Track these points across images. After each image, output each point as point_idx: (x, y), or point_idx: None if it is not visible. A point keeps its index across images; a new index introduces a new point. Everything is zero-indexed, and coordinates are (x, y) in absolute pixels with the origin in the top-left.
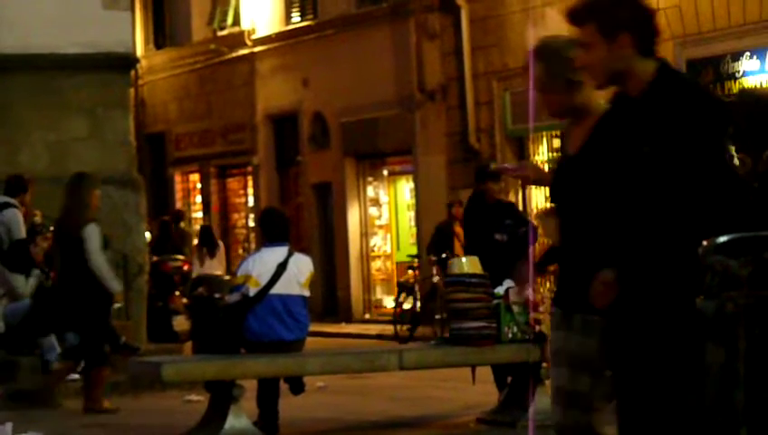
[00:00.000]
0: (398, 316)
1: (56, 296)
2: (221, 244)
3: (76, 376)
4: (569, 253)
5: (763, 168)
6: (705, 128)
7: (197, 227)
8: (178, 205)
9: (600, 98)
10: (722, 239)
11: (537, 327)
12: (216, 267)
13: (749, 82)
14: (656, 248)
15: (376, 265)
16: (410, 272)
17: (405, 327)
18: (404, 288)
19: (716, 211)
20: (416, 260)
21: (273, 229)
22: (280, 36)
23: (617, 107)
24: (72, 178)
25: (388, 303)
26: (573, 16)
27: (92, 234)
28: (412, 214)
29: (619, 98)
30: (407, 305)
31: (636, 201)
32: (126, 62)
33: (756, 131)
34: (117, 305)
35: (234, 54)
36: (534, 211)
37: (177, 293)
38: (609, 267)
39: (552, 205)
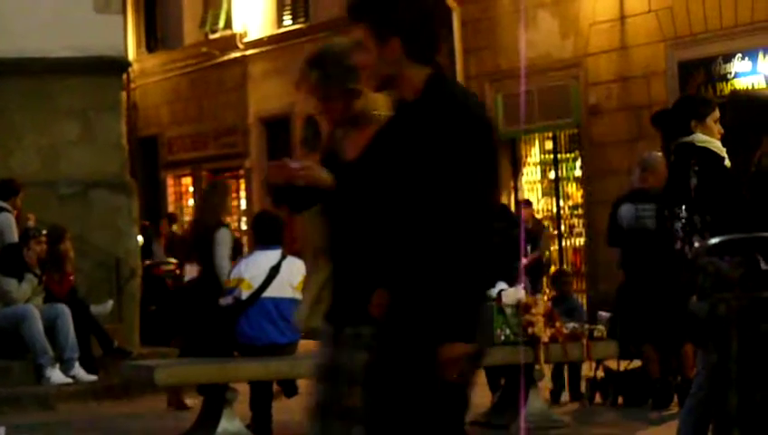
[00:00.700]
0: None
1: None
2: None
3: (69, 380)
4: (341, 263)
5: (754, 168)
6: (459, 144)
7: None
8: (171, 208)
9: (382, 103)
10: (714, 241)
11: (530, 329)
12: (191, 271)
13: (741, 84)
14: (413, 264)
15: None
16: None
17: None
18: None
19: (459, 231)
20: None
21: (265, 232)
22: (272, 39)
23: (396, 114)
24: (208, 185)
25: None
26: (349, 13)
27: (223, 238)
28: None
29: (399, 104)
30: None
31: (396, 214)
32: (118, 65)
33: (747, 133)
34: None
35: (226, 58)
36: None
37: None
38: (379, 279)
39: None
